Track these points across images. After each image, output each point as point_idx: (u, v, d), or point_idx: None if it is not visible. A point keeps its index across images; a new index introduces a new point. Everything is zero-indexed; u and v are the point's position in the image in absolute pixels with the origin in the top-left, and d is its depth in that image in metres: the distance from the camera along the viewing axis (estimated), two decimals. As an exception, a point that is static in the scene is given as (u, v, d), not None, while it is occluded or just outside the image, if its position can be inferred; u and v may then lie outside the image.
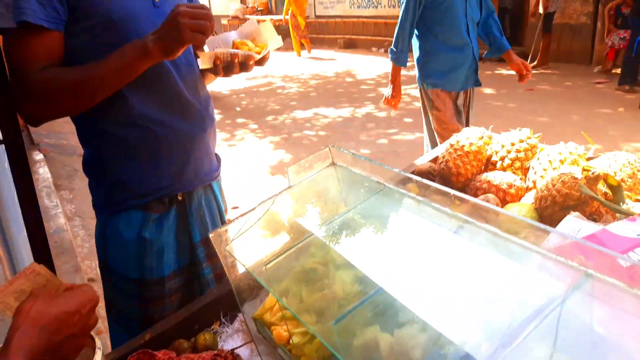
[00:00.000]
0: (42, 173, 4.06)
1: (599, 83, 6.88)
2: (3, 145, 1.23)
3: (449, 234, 0.65)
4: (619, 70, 6.78)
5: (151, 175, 1.19)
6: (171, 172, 1.21)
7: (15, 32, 1.00)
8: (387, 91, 2.94)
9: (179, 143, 1.19)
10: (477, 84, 2.88)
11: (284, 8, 12.29)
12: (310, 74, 9.90)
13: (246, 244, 0.73)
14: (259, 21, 1.21)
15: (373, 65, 10.33)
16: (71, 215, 3.80)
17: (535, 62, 7.88)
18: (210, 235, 0.76)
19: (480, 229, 0.61)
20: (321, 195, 0.85)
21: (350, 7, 13.51)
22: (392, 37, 2.81)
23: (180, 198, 1.25)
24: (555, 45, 8.17)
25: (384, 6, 12.39)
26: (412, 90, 7.52)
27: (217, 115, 6.93)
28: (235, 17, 15.68)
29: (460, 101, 2.84)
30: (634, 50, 6.11)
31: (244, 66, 1.11)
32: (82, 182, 4.40)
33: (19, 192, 1.25)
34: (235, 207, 3.80)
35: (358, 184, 0.82)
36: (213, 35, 1.09)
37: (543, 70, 7.97)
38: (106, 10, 1.05)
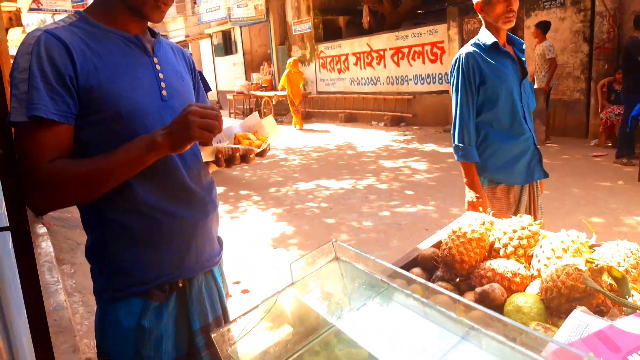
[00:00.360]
0: (45, 247, 4.05)
1: (596, 156, 7.00)
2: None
3: (455, 339, 0.64)
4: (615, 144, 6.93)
5: (153, 262, 1.19)
6: (173, 259, 1.21)
7: (28, 125, 1.02)
8: (468, 195, 2.38)
9: (181, 230, 1.21)
10: (545, 175, 2.43)
11: (280, 84, 12.83)
12: (312, 146, 10.12)
13: (249, 345, 0.72)
14: (263, 114, 1.28)
15: (373, 139, 10.58)
16: (71, 290, 3.75)
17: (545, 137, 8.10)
18: (213, 336, 0.76)
19: (487, 336, 0.60)
20: (325, 292, 0.85)
21: (350, 84, 14.06)
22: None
23: (180, 285, 1.25)
24: (551, 120, 8.40)
25: (383, 83, 12.90)
26: (412, 163, 7.67)
27: (221, 188, 7.02)
28: (240, 93, 16.29)
29: (524, 198, 2.38)
30: (629, 126, 6.27)
31: (245, 159, 1.14)
32: (83, 256, 4.36)
33: (22, 277, 1.25)
34: (236, 282, 3.76)
35: (362, 281, 0.82)
36: None
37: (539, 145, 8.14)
38: (115, 105, 1.09)
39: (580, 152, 7.37)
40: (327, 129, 12.54)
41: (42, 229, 4.61)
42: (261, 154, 1.17)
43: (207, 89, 5.68)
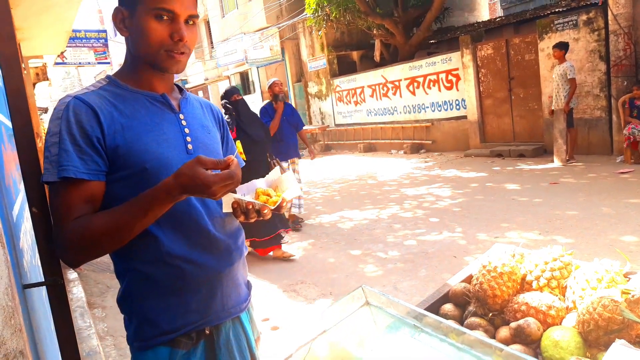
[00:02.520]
0: (76, 292, 4.13)
1: (622, 173, 6.86)
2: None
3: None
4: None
5: (179, 311, 1.21)
6: (199, 307, 1.23)
7: (58, 185, 1.08)
8: None
9: (206, 279, 1.22)
10: None
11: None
12: (333, 178, 10.17)
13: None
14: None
15: (394, 167, 10.59)
16: (103, 334, 3.79)
17: (567, 157, 8.01)
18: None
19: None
20: (357, 338, 0.85)
21: (368, 115, 14.21)
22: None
23: (207, 332, 1.26)
24: (575, 139, 8.31)
25: (400, 112, 12.99)
26: (435, 189, 7.63)
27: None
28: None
29: None
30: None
31: (260, 213, 1.17)
32: (113, 299, 4.44)
33: (57, 329, 1.30)
34: (265, 319, 3.75)
35: (393, 326, 0.83)
36: None
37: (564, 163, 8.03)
38: (141, 161, 1.14)
39: (606, 169, 7.24)
40: (347, 160, 12.60)
41: (73, 274, 4.70)
42: (277, 209, 1.19)
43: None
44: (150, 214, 1.06)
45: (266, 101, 6.37)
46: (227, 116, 5.05)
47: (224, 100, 5.25)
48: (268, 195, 1.21)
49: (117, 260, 1.23)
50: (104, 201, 1.14)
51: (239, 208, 1.15)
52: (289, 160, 6.30)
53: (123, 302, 1.24)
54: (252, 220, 1.18)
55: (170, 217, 1.13)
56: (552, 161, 8.25)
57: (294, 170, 6.35)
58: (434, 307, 1.27)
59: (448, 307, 1.26)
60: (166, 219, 1.14)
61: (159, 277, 1.18)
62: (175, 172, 1.04)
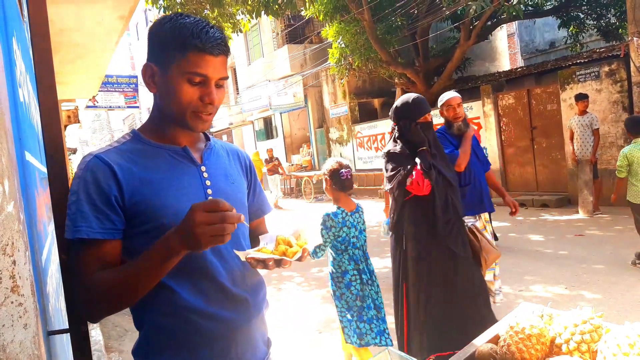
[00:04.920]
0: (95, 336, 4.12)
1: (651, 226, 6.67)
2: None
3: None
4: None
5: None
6: None
7: (75, 243, 1.11)
8: None
9: (220, 334, 1.21)
10: None
11: None
12: (353, 223, 10.11)
13: None
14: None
15: (415, 214, 10.50)
16: (118, 379, 3.75)
17: (593, 208, 7.87)
18: None
19: None
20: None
21: (389, 160, 14.23)
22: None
23: None
24: (600, 191, 8.17)
25: (422, 158, 13.00)
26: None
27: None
28: (282, 173, 16.88)
29: None
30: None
31: (279, 264, 1.13)
32: (131, 344, 4.40)
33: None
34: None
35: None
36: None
37: (589, 216, 7.86)
38: (159, 217, 1.15)
39: (633, 221, 7.05)
40: (367, 205, 12.56)
41: (92, 317, 4.70)
42: (299, 260, 1.16)
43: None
44: (156, 269, 1.06)
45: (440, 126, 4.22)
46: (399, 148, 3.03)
47: (403, 121, 3.03)
48: (288, 244, 1.18)
49: (135, 312, 1.23)
50: (125, 255, 1.16)
51: (254, 261, 1.13)
52: (481, 216, 4.03)
53: (138, 353, 1.23)
54: (272, 269, 1.14)
55: (186, 271, 1.13)
56: (577, 212, 8.10)
57: (485, 230, 4.01)
58: (459, 368, 1.23)
59: (474, 369, 1.22)
60: (182, 273, 1.14)
61: (174, 331, 1.17)
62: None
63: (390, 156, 3.05)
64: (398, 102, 3.12)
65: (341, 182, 3.06)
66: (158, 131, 1.25)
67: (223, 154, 1.38)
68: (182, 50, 1.14)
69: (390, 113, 3.21)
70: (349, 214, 3.07)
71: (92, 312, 1.13)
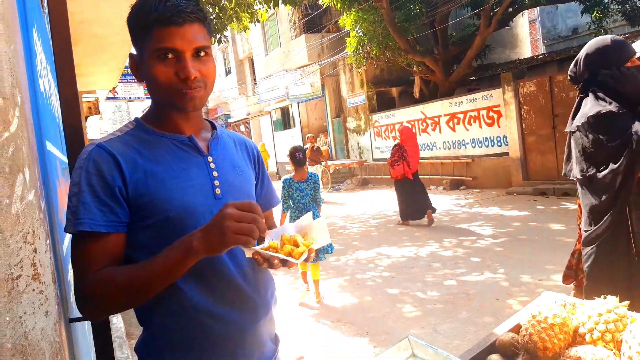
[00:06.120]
0: (116, 322, 4.20)
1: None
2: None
3: None
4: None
5: None
6: None
7: (78, 237, 1.04)
8: None
9: (227, 335, 1.16)
10: None
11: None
12: (370, 213, 10.10)
13: None
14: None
15: (433, 203, 10.43)
16: (139, 366, 3.83)
17: None
18: None
19: None
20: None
21: (407, 150, 14.15)
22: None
23: None
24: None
25: (439, 148, 12.90)
26: (475, 228, 7.44)
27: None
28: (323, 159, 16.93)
29: None
30: None
31: (284, 264, 1.08)
32: (151, 330, 4.48)
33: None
34: (300, 358, 3.69)
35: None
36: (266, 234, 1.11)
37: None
38: (164, 209, 1.09)
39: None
40: (385, 195, 12.51)
41: (114, 305, 4.79)
42: (306, 260, 1.10)
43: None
44: (171, 271, 1.01)
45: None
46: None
47: (606, 69, 2.23)
48: (295, 243, 1.12)
49: (139, 310, 1.17)
50: (130, 248, 1.11)
51: (259, 257, 1.07)
52: None
53: (141, 351, 1.19)
54: (277, 268, 1.09)
55: (194, 268, 1.04)
56: (600, 201, 7.94)
57: None
58: (480, 357, 1.21)
59: (495, 358, 1.20)
60: (190, 271, 1.05)
61: (180, 331, 1.13)
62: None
63: (602, 119, 2.19)
64: (589, 48, 2.32)
65: (296, 160, 4.91)
66: (159, 119, 1.19)
67: (230, 144, 1.32)
68: (146, 28, 1.08)
69: (574, 68, 2.41)
70: (297, 182, 4.88)
71: (95, 310, 1.07)
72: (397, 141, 8.22)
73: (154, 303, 1.10)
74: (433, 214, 8.29)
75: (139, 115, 1.27)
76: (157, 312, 1.13)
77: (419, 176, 8.38)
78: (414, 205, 8.22)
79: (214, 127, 1.30)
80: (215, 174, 1.19)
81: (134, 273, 1.02)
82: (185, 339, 1.13)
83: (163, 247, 1.02)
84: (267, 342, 1.29)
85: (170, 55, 1.08)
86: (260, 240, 1.14)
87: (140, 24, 1.09)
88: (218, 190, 1.17)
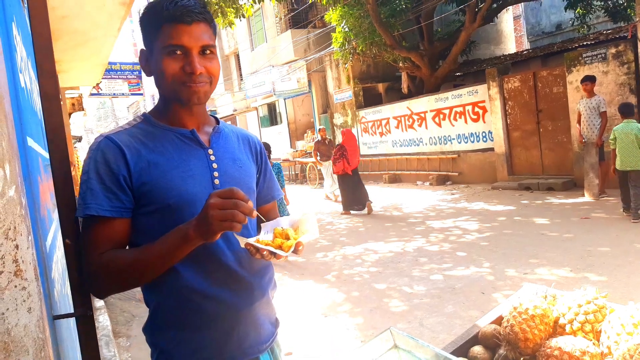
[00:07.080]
0: (102, 321, 4.16)
1: (658, 209, 6.63)
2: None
3: None
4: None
5: (193, 347, 1.21)
6: (212, 344, 1.22)
7: (86, 221, 1.15)
8: None
9: (222, 316, 1.22)
10: None
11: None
12: (358, 209, 10.13)
13: None
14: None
15: (419, 198, 10.50)
16: (126, 364, 3.80)
17: (599, 191, 7.84)
18: None
19: None
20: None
21: (393, 146, 14.22)
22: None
23: None
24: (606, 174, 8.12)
25: (426, 144, 12.97)
26: (462, 222, 7.51)
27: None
28: (285, 160, 16.83)
29: None
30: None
31: (275, 256, 1.13)
32: (138, 329, 4.46)
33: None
34: (288, 354, 3.70)
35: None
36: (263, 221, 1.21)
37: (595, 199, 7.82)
38: (165, 197, 1.17)
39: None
40: (372, 190, 12.56)
41: (99, 303, 4.75)
42: (294, 252, 1.15)
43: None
44: (170, 256, 1.09)
45: None
46: None
47: None
48: (286, 236, 1.18)
49: (144, 291, 1.26)
50: (133, 234, 1.19)
51: (251, 248, 1.13)
52: None
53: (145, 331, 1.27)
54: (268, 259, 1.15)
55: (193, 253, 1.13)
56: (583, 195, 8.06)
57: None
58: (463, 349, 1.23)
59: (477, 350, 1.22)
60: (189, 256, 1.13)
61: (176, 311, 1.20)
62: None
63: None
64: None
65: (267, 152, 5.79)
66: (165, 114, 1.27)
67: (233, 138, 1.39)
68: (157, 26, 1.17)
69: None
70: None
71: (100, 288, 1.16)
72: (338, 142, 9.35)
73: (154, 285, 1.19)
74: (372, 204, 9.38)
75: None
76: (157, 293, 1.22)
77: (359, 172, 9.60)
78: (354, 198, 9.36)
79: (217, 122, 1.38)
80: (214, 165, 1.26)
81: (136, 256, 1.12)
82: (181, 317, 1.20)
83: (164, 233, 1.11)
84: (265, 324, 1.34)
85: (178, 52, 1.17)
86: (258, 230, 1.24)
87: (152, 22, 1.19)
88: (217, 181, 1.24)
